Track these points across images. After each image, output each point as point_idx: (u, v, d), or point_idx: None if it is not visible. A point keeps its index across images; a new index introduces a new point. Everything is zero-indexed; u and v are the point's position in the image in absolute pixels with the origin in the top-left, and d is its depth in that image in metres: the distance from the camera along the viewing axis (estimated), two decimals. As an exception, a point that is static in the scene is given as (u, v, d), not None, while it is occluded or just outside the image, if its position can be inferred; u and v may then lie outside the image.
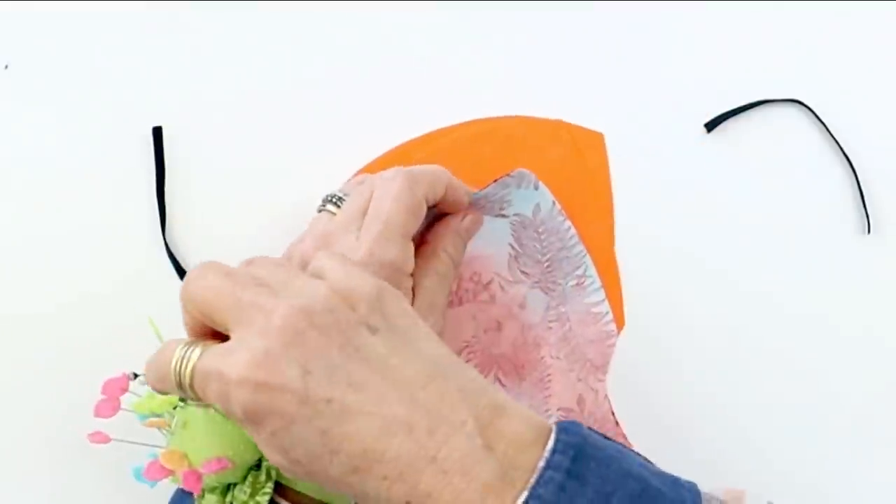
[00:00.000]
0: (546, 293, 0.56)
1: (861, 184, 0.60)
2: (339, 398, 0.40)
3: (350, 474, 0.40)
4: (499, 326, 0.56)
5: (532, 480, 0.40)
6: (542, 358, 0.56)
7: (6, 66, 0.58)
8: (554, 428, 0.41)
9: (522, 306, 0.56)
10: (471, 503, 0.39)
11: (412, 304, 0.48)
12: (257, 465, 0.45)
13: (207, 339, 0.43)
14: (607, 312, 0.57)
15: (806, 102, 0.61)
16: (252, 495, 0.44)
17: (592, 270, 0.57)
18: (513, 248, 0.56)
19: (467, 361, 0.55)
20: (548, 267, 0.56)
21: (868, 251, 0.60)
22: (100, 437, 0.45)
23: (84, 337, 0.56)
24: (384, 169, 0.56)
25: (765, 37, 0.62)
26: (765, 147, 0.60)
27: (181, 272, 0.56)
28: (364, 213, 0.48)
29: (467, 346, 0.56)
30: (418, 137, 0.58)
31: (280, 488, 0.45)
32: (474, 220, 0.52)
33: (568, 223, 0.56)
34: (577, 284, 0.57)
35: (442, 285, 0.50)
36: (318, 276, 0.43)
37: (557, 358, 0.56)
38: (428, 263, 0.50)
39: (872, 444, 0.57)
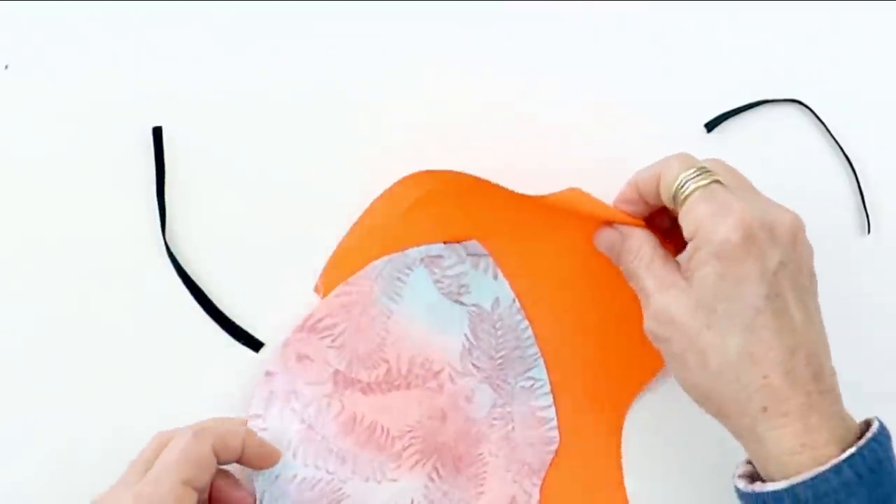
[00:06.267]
0: (494, 390, 0.56)
1: (861, 184, 0.60)
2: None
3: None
4: (443, 416, 0.56)
5: (862, 443, 0.46)
6: (481, 454, 0.56)
7: (6, 66, 0.58)
8: (877, 421, 0.48)
9: (469, 400, 0.56)
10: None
11: None
12: None
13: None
14: (552, 419, 0.56)
15: (806, 102, 0.61)
16: None
17: (544, 374, 0.57)
18: (467, 339, 0.56)
19: (408, 446, 0.55)
20: (500, 364, 0.56)
21: (868, 251, 0.60)
22: None
23: (83, 337, 0.56)
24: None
25: (765, 37, 0.62)
26: (765, 147, 0.60)
27: (181, 272, 0.56)
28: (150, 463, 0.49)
29: (410, 431, 0.55)
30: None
31: None
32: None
33: (525, 323, 0.57)
34: (527, 386, 0.56)
35: None
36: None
37: (496, 456, 0.56)
38: None
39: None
